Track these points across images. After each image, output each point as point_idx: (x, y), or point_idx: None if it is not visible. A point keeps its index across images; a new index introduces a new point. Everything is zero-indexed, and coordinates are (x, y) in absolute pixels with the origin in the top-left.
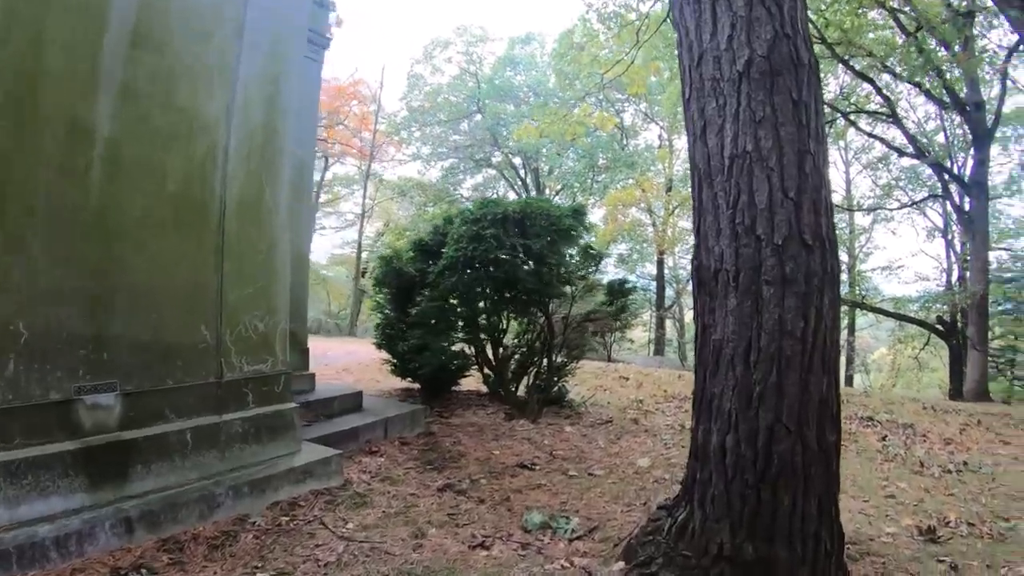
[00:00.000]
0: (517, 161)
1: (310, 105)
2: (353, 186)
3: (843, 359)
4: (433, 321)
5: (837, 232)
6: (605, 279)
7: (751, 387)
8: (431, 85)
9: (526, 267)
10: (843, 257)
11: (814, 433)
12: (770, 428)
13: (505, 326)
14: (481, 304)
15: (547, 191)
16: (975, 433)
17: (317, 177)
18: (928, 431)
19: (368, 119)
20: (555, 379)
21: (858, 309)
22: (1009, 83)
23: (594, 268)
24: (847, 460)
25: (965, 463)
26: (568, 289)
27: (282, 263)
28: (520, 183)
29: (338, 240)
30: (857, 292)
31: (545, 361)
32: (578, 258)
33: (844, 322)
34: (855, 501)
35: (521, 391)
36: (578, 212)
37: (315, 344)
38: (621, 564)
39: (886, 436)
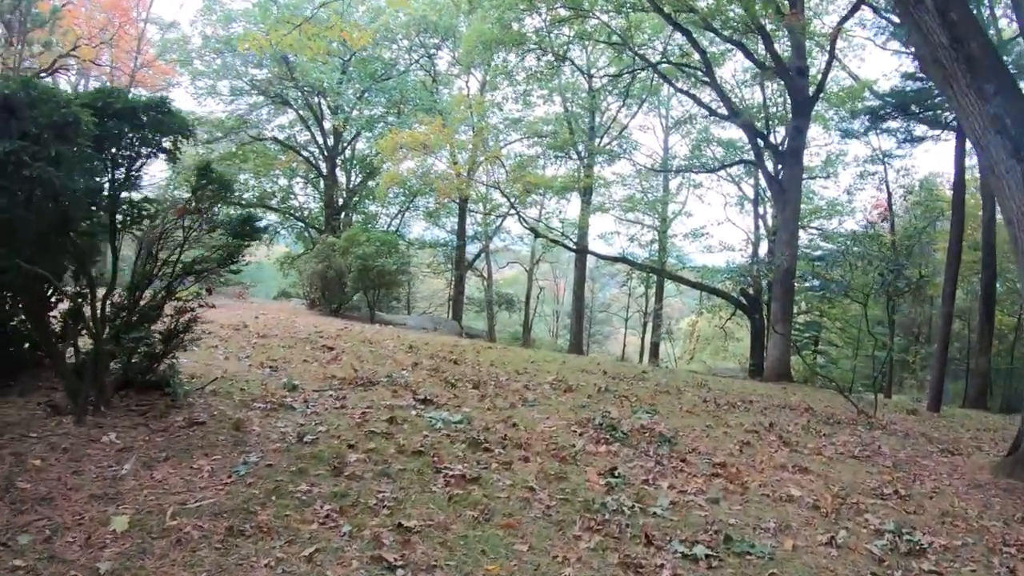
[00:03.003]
0: (316, 101)
1: None
2: None
3: (649, 325)
4: None
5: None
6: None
7: None
8: (224, 11)
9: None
10: (650, 222)
11: None
12: None
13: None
14: None
15: (345, 135)
16: (760, 451)
17: None
18: (693, 449)
19: (150, 43)
20: (153, 351)
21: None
22: (836, 62)
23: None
24: (522, 526)
25: (728, 537)
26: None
27: None
28: (317, 125)
29: None
30: (664, 258)
31: (130, 327)
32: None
33: (652, 290)
34: None
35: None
36: (107, 108)
37: None
38: None
39: (616, 468)
